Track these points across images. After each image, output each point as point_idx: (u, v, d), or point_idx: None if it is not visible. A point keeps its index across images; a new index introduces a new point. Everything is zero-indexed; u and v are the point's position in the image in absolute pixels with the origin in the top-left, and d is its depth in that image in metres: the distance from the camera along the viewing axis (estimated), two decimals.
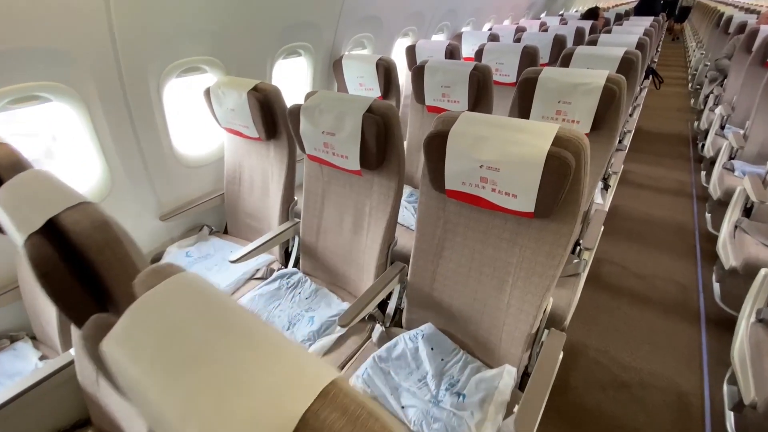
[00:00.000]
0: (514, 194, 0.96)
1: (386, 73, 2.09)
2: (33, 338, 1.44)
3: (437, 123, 1.09)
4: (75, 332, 0.92)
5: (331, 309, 1.46)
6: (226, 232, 2.01)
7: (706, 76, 5.05)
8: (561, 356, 1.13)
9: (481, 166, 0.97)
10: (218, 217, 2.02)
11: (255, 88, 1.52)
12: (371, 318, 1.41)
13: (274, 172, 1.69)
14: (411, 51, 2.84)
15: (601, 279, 2.29)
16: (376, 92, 2.17)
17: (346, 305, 1.47)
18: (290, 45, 1.98)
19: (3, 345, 1.38)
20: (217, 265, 1.73)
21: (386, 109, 1.20)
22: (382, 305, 1.44)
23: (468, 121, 1.01)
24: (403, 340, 1.27)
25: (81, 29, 1.23)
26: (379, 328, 1.35)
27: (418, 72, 1.94)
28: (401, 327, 1.42)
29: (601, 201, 2.12)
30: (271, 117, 1.55)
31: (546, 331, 1.17)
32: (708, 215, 2.69)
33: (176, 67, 1.58)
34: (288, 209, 1.71)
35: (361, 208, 1.43)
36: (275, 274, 1.61)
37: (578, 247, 1.73)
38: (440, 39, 3.48)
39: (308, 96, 1.36)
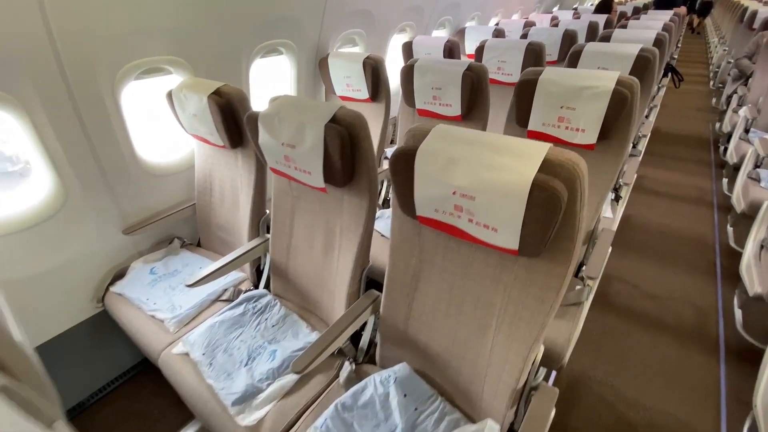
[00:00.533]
0: (495, 228, 0.79)
1: (374, 72, 1.91)
2: None
3: (407, 137, 0.92)
4: None
5: (297, 341, 1.30)
6: (199, 244, 1.87)
7: (728, 74, 4.75)
8: (553, 414, 0.95)
9: (454, 193, 0.80)
10: (191, 228, 1.88)
11: (217, 92, 1.37)
12: (341, 353, 1.24)
13: (243, 183, 1.53)
14: (407, 48, 2.66)
15: (609, 299, 2.09)
16: (363, 93, 2.00)
17: (315, 336, 1.31)
18: (269, 42, 1.82)
19: None
20: (182, 283, 1.58)
21: (352, 119, 1.03)
22: (356, 336, 1.28)
23: (440, 136, 0.83)
24: (373, 384, 1.11)
25: (9, 27, 1.09)
26: (347, 367, 1.18)
27: (407, 72, 1.76)
28: (375, 364, 1.25)
29: (610, 214, 1.92)
30: (235, 124, 1.39)
31: (540, 371, 1.00)
32: (730, 229, 2.46)
33: (133, 69, 1.43)
34: (258, 223, 1.55)
35: (332, 227, 1.27)
36: (241, 297, 1.46)
37: (581, 270, 1.54)
38: (442, 35, 3.28)
39: (271, 101, 1.20)
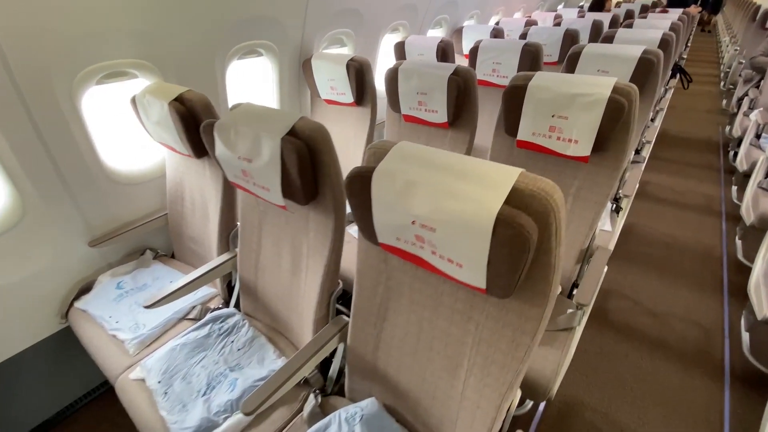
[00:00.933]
0: (459, 263, 0.68)
1: (358, 75, 1.81)
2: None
3: (369, 155, 0.82)
4: None
5: (261, 368, 1.20)
6: (174, 256, 1.78)
7: (740, 75, 4.58)
8: None
9: (413, 222, 0.69)
10: (166, 239, 1.79)
11: (179, 98, 1.27)
12: (307, 383, 1.15)
13: (212, 194, 1.44)
14: (400, 48, 2.56)
15: (607, 316, 1.97)
16: (348, 97, 1.90)
17: (281, 363, 1.21)
18: (246, 43, 1.72)
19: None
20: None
21: (312, 132, 0.93)
22: (327, 363, 1.18)
23: (400, 156, 0.73)
24: (338, 421, 1.01)
25: None
26: (312, 400, 1.09)
27: (391, 75, 1.65)
28: (344, 395, 1.15)
29: (609, 227, 1.80)
30: (198, 132, 1.30)
31: (527, 403, 0.89)
32: (738, 241, 2.32)
33: (93, 73, 1.34)
34: (228, 237, 1.46)
35: (298, 246, 1.17)
36: (208, 316, 1.36)
37: (574, 292, 1.43)
38: (438, 35, 3.16)
39: (231, 109, 1.10)
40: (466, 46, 2.98)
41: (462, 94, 1.52)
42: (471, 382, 0.84)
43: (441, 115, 1.59)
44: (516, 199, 0.60)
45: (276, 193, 1.00)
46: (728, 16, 10.47)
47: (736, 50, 5.77)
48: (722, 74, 6.41)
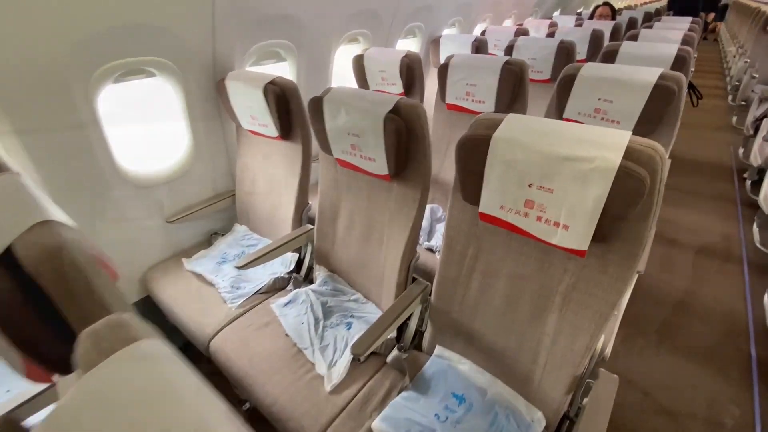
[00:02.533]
0: None
1: (280, 102, 1.36)
2: None
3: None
4: None
5: None
6: None
7: (753, 91, 4.16)
8: None
9: None
10: None
11: None
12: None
13: None
14: (358, 63, 2.12)
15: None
16: (271, 129, 1.45)
17: None
18: (124, 61, 1.27)
19: None
20: None
21: (41, 255, 0.47)
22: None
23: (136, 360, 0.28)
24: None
25: None
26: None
27: (315, 108, 1.20)
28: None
29: None
30: None
31: None
32: None
33: None
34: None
35: None
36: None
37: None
38: (411, 46, 2.72)
39: None
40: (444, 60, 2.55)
41: (406, 139, 1.07)
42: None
43: (380, 165, 1.13)
44: None
45: None
46: (732, 25, 10.08)
47: (746, 62, 5.36)
48: (729, 87, 6.00)
